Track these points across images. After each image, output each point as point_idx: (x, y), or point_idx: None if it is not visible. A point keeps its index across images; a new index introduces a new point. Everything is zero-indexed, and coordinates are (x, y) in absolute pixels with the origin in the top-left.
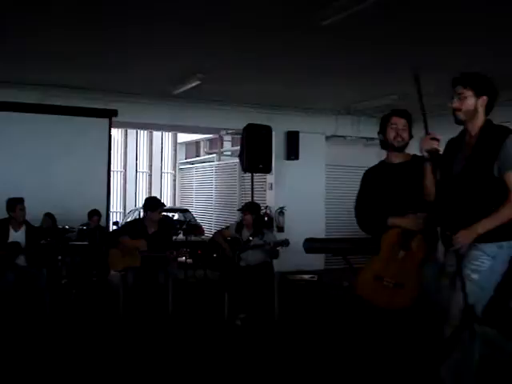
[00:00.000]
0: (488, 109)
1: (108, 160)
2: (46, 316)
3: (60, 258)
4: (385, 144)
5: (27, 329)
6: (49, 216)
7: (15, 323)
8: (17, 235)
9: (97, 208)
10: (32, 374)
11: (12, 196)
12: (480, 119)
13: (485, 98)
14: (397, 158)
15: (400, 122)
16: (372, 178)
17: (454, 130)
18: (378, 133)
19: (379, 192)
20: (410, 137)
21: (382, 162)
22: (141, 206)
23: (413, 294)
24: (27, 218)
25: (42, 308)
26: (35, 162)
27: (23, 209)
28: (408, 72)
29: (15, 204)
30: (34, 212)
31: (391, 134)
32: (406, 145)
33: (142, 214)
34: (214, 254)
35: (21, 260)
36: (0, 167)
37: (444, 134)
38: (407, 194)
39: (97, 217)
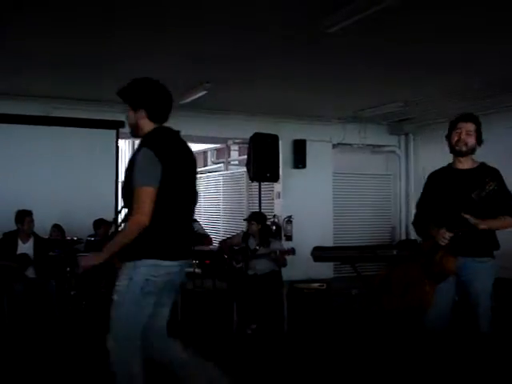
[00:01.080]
0: (155, 118)
1: (116, 171)
2: (55, 327)
3: (69, 269)
4: (450, 149)
5: (37, 340)
6: (57, 227)
7: (25, 334)
8: (25, 247)
9: (105, 219)
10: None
11: (20, 208)
12: (143, 131)
13: (142, 111)
14: (462, 164)
15: (465, 127)
16: (433, 181)
17: None
18: (446, 137)
19: (437, 196)
20: (480, 142)
21: (448, 166)
22: None
23: (410, 303)
24: (35, 230)
25: (51, 319)
26: (42, 174)
27: (31, 221)
28: (414, 78)
29: (24, 216)
30: (41, 224)
31: (454, 139)
32: (469, 150)
33: None
34: (222, 263)
35: (30, 272)
36: (7, 179)
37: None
38: (466, 202)
39: (104, 225)
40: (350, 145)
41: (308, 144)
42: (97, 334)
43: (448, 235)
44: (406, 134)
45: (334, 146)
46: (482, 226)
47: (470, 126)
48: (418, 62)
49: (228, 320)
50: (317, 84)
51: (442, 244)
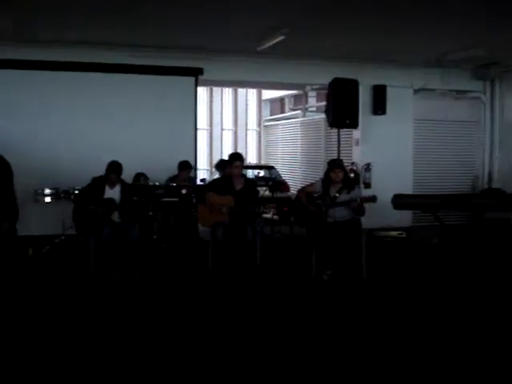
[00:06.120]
0: None
1: (194, 118)
2: (139, 269)
3: (151, 214)
4: None
5: (124, 281)
6: (144, 176)
7: (110, 277)
8: (112, 192)
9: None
10: (131, 319)
11: (104, 156)
12: None
13: None
14: None
15: None
16: None
17: None
18: None
19: None
20: None
21: None
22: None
23: None
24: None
25: (135, 261)
26: (124, 121)
27: (117, 179)
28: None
29: (110, 172)
30: (125, 168)
31: None
32: None
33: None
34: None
35: (115, 216)
36: (92, 128)
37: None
38: None
39: (188, 169)
40: (432, 90)
41: (388, 90)
42: (177, 276)
43: None
44: (492, 80)
45: (415, 91)
46: None
47: None
48: (500, 6)
49: (307, 266)
50: (399, 27)
51: None
